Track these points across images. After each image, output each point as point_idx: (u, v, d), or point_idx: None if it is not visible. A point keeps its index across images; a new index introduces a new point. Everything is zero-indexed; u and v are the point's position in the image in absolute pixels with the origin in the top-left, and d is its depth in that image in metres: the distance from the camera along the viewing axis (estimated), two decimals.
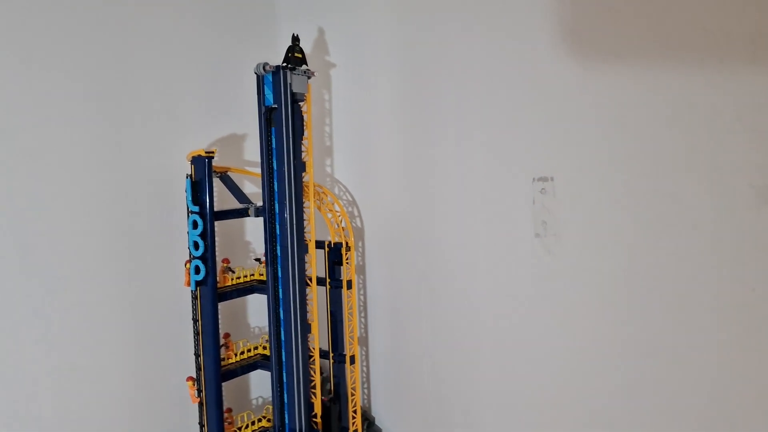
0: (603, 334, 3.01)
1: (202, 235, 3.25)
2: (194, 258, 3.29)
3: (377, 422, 4.02)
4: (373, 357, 4.00)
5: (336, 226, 3.68)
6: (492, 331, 3.40)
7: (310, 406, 3.46)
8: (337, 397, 3.73)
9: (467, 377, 3.52)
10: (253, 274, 3.68)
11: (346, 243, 3.65)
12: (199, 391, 3.36)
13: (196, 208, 3.25)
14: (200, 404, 3.38)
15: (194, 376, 3.41)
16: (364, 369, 4.07)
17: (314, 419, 3.53)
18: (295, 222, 3.32)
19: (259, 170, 3.42)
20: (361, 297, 4.01)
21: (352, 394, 3.72)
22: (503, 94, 3.25)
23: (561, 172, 3.09)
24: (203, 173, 3.27)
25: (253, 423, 3.60)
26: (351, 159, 3.96)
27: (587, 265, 3.04)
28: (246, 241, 4.04)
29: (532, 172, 3.16)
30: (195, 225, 3.25)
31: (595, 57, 2.93)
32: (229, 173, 3.57)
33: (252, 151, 3.87)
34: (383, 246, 3.86)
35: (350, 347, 3.71)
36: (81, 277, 3.27)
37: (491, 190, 3.34)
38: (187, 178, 3.28)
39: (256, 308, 4.06)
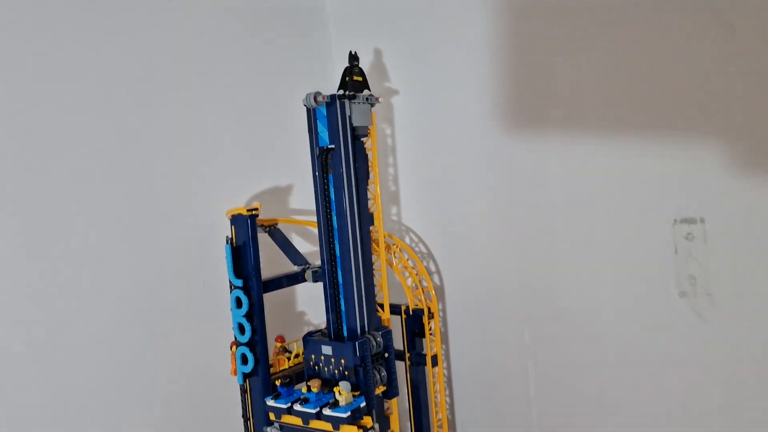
0: None
1: (248, 316, 2.56)
2: (240, 344, 2.60)
3: None
4: None
5: (414, 287, 2.94)
6: (625, 426, 2.62)
7: None
8: None
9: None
10: None
11: (429, 309, 2.90)
12: None
13: (240, 282, 2.57)
14: None
15: None
16: None
17: None
18: (363, 287, 2.60)
19: (314, 218, 2.73)
20: (444, 372, 3.25)
21: None
22: (625, 106, 2.48)
23: (713, 211, 2.41)
24: (246, 235, 2.60)
25: None
26: (424, 203, 3.20)
27: (758, 336, 2.31)
28: (299, 311, 3.33)
29: (673, 212, 2.47)
30: (239, 303, 2.58)
31: None
32: (278, 226, 2.88)
33: (303, 196, 3.15)
34: (471, 309, 3.09)
35: None
36: (97, 367, 2.62)
37: (618, 237, 2.61)
38: (227, 243, 2.60)
39: None
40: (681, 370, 2.50)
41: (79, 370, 2.54)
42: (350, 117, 2.54)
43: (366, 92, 2.64)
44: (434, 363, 2.94)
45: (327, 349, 2.58)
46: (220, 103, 2.96)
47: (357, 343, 2.50)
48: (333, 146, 2.54)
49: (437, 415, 2.97)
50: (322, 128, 2.54)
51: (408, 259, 2.96)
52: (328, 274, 2.65)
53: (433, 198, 3.14)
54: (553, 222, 2.74)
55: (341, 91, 2.56)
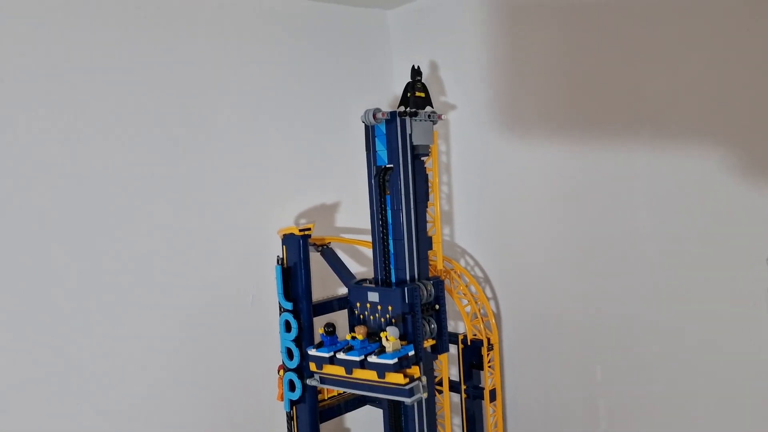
0: None
1: (297, 341, 2.44)
2: (288, 369, 2.48)
3: None
4: None
5: (473, 317, 2.76)
6: None
7: None
8: None
9: None
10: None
11: (488, 339, 2.72)
12: None
13: (289, 305, 2.45)
14: None
15: None
16: None
17: None
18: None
19: (367, 237, 2.59)
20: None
21: None
22: (726, 120, 2.23)
23: None
24: (297, 256, 2.48)
25: None
26: (480, 223, 3.01)
27: None
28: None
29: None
30: (288, 327, 2.46)
31: None
32: (330, 245, 2.76)
33: (357, 216, 3.02)
34: (531, 341, 2.87)
35: None
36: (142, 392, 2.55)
37: (707, 272, 2.32)
38: (277, 264, 2.49)
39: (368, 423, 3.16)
40: None
41: (124, 389, 2.48)
42: (411, 135, 2.40)
43: (428, 109, 2.50)
44: (492, 397, 2.74)
45: (373, 296, 2.39)
46: (277, 119, 2.87)
47: (406, 289, 2.33)
48: (392, 165, 2.40)
49: None
50: (381, 146, 2.41)
51: (468, 285, 2.78)
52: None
53: (490, 218, 2.95)
54: (633, 247, 2.49)
55: (402, 108, 2.42)
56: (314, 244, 2.70)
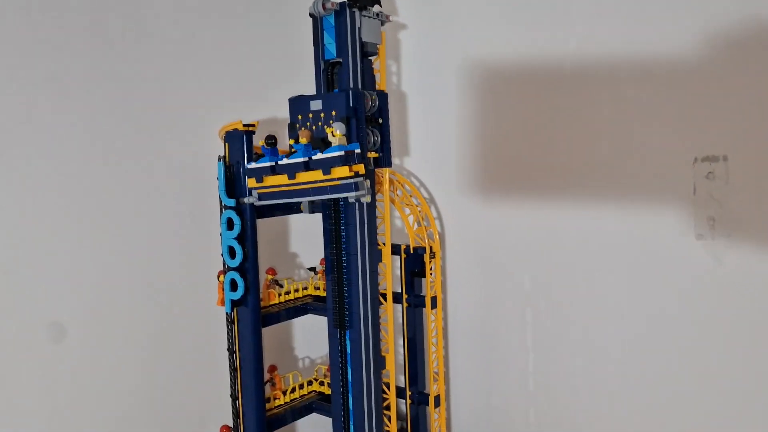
0: None
1: (240, 239, 2.39)
2: (229, 269, 2.43)
3: None
4: (454, 399, 3.07)
5: (415, 226, 2.77)
6: (627, 374, 2.48)
7: None
8: None
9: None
10: (306, 288, 2.81)
11: (431, 248, 2.74)
12: None
13: (232, 202, 2.39)
14: None
15: (231, 425, 2.56)
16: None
17: None
18: (366, 219, 2.42)
19: None
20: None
21: None
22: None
23: (738, 149, 2.25)
24: (241, 153, 2.41)
25: None
26: (427, 147, 3.04)
27: None
28: (291, 252, 3.15)
29: (693, 150, 2.32)
30: (230, 224, 2.39)
31: None
32: None
33: None
34: (471, 256, 2.93)
35: (435, 385, 2.81)
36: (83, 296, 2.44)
37: (634, 176, 2.42)
38: (219, 161, 2.42)
39: (309, 333, 3.17)
40: (696, 315, 2.36)
41: (62, 299, 2.37)
42: (360, 30, 2.36)
43: (377, 7, 2.47)
44: (433, 305, 2.78)
45: (316, 105, 2.30)
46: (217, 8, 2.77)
47: (350, 92, 2.25)
48: (340, 59, 2.36)
49: (434, 360, 2.82)
50: (329, 40, 2.36)
51: (411, 196, 2.79)
52: (328, 202, 2.47)
53: (437, 141, 2.98)
54: (566, 166, 2.58)
55: (351, 1, 2.37)
56: (257, 153, 2.63)
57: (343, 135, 2.17)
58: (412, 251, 2.77)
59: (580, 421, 2.66)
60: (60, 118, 2.34)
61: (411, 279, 2.82)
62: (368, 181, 2.23)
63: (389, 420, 2.67)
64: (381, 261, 2.57)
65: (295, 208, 2.69)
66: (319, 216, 2.53)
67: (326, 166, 2.13)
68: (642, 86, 2.39)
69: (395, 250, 2.76)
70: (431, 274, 2.76)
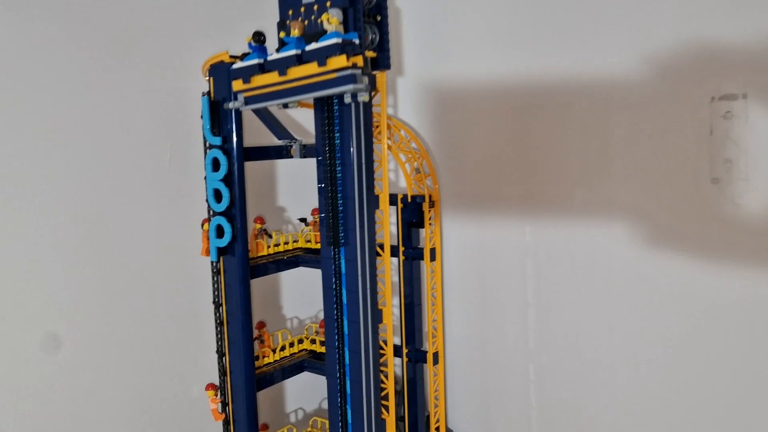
0: None
1: (227, 181, 2.20)
2: (215, 214, 2.24)
3: None
4: (451, 355, 2.93)
5: (413, 174, 2.61)
6: (630, 326, 2.37)
7: (381, 425, 2.41)
8: (412, 407, 2.70)
9: (591, 390, 2.51)
10: (297, 241, 2.63)
11: (430, 197, 2.58)
12: (225, 404, 2.34)
13: (218, 141, 2.19)
14: (225, 422, 2.37)
15: (217, 384, 2.39)
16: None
17: None
18: (364, 166, 2.20)
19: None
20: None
21: (436, 406, 2.68)
22: None
23: (758, 87, 2.10)
24: (228, 88, 2.21)
25: None
26: (422, 94, 2.85)
27: None
28: (279, 206, 2.97)
29: (710, 88, 2.18)
30: (216, 165, 2.20)
31: None
32: None
33: None
34: (468, 208, 2.75)
35: (434, 341, 2.67)
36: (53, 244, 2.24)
37: (646, 115, 2.29)
38: (203, 96, 2.21)
39: (299, 288, 3.00)
40: (712, 262, 2.23)
41: (38, 243, 2.16)
42: None
43: None
44: (432, 257, 2.62)
45: None
46: None
47: None
48: None
49: (432, 315, 2.67)
50: None
51: (409, 141, 2.62)
52: (324, 146, 2.27)
53: (432, 85, 2.80)
54: (548, 108, 2.44)
55: None
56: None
57: (340, 23, 1.93)
58: (410, 200, 2.60)
59: (583, 377, 2.54)
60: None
61: (408, 231, 2.65)
62: (366, 78, 1.95)
63: (386, 378, 2.52)
64: (378, 209, 2.39)
65: (285, 153, 2.50)
66: (308, 166, 2.32)
67: (322, 56, 1.88)
68: (654, 17, 2.25)
69: (391, 200, 2.59)
70: (430, 224, 2.60)
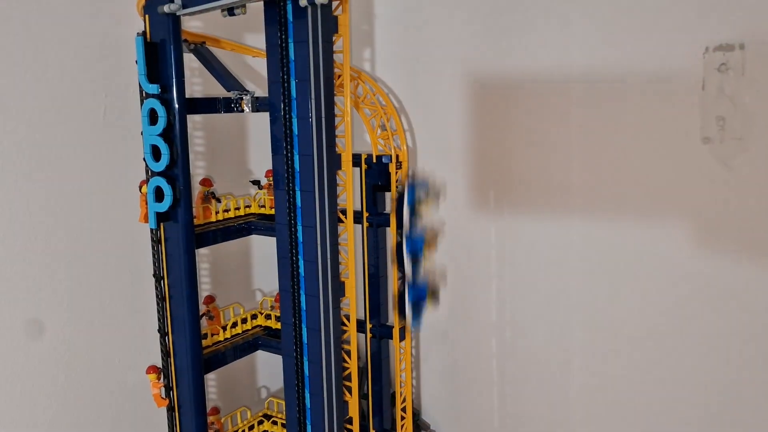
0: None
1: (166, 136, 1.91)
2: (153, 174, 1.96)
3: (424, 415, 2.80)
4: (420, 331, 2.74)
5: (379, 131, 2.35)
6: (607, 297, 2.22)
7: (343, 407, 2.19)
8: (376, 386, 2.50)
9: (559, 365, 2.38)
10: (249, 206, 2.37)
11: (397, 157, 2.34)
12: (168, 388, 2.09)
13: (155, 89, 1.90)
14: (170, 408, 2.13)
15: (159, 367, 2.13)
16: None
17: (348, 426, 2.30)
18: (324, 120, 1.93)
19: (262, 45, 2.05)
20: None
21: (402, 385, 2.48)
22: None
23: (757, 36, 1.92)
24: (167, 30, 1.91)
25: (252, 428, 2.38)
26: (397, 47, 2.59)
27: None
28: (248, 168, 2.70)
29: (704, 38, 1.99)
30: (153, 117, 1.91)
31: None
32: (207, 45, 2.23)
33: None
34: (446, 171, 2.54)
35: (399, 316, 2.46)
36: None
37: (634, 67, 2.13)
38: (138, 36, 1.91)
39: (253, 258, 2.75)
40: (700, 224, 2.06)
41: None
42: None
43: None
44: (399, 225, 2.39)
45: None
46: None
47: None
48: None
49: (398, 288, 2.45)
50: None
51: (375, 95, 2.36)
52: (277, 98, 1.99)
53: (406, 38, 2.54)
54: (553, 55, 2.23)
55: None
56: (185, 41, 2.16)
57: None
58: (375, 161, 2.35)
59: (550, 350, 2.38)
60: None
61: (373, 195, 2.41)
62: None
63: (349, 356, 2.29)
64: (340, 169, 2.14)
65: (235, 107, 2.22)
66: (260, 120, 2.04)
67: None
68: None
69: (355, 161, 2.34)
70: (398, 185, 2.36)
